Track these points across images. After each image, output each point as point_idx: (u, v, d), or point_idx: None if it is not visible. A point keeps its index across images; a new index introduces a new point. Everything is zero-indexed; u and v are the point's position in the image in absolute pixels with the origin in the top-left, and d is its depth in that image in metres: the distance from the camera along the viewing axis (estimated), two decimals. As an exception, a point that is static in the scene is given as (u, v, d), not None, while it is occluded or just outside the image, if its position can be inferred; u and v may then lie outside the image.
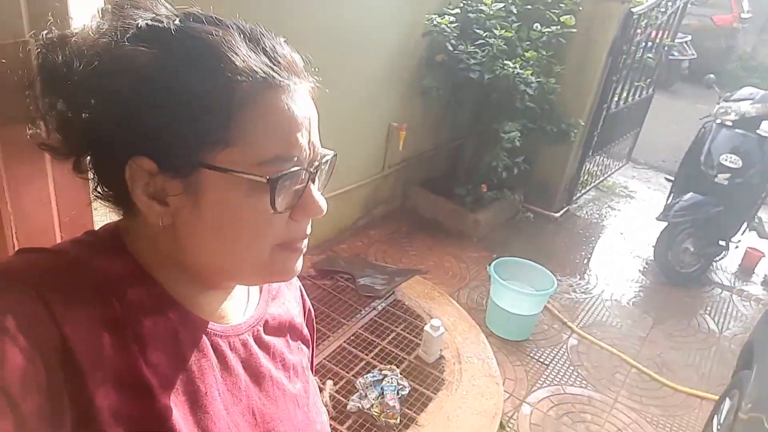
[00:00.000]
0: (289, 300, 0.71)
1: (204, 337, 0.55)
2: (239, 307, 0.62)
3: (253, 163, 0.49)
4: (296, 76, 0.52)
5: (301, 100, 0.52)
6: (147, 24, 0.49)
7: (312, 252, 3.13)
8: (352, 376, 2.26)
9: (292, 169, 0.51)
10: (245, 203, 0.50)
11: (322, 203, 0.55)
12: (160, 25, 0.49)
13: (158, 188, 0.50)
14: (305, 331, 0.73)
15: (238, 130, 0.48)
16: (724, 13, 8.92)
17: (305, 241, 0.57)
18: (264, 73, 0.49)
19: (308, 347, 0.74)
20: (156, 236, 0.53)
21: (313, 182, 0.55)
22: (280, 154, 0.50)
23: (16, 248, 0.53)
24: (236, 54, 0.48)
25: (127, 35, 0.48)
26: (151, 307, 0.52)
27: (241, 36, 0.50)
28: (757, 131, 3.47)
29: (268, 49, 0.51)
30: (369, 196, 3.53)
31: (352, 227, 3.49)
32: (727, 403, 2.04)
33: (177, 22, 0.49)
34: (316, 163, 0.55)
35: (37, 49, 0.52)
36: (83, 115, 0.50)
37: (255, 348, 0.61)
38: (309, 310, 0.77)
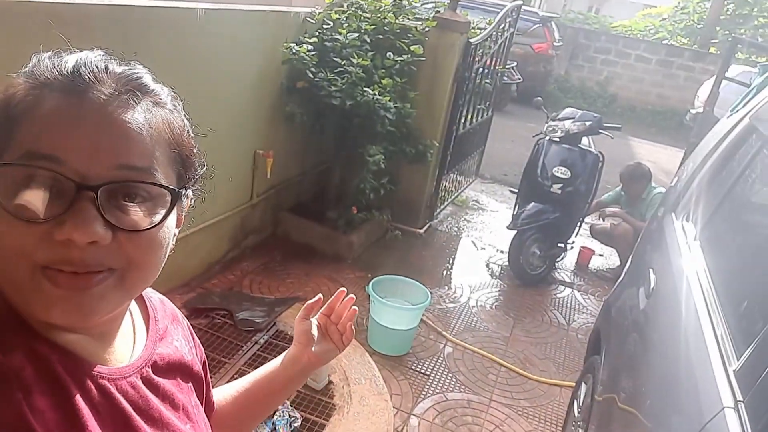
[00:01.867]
0: (177, 339, 0.70)
1: (89, 380, 0.53)
2: (125, 348, 0.60)
3: (10, 160, 0.47)
4: (93, 81, 0.49)
5: (93, 104, 0.48)
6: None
7: (180, 291, 2.95)
8: (241, 416, 2.17)
9: (31, 164, 0.46)
10: None
11: (82, 227, 0.46)
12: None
13: None
14: (196, 367, 0.72)
15: (14, 132, 0.48)
16: (540, 42, 10.24)
17: (88, 279, 0.48)
18: (45, 76, 0.49)
19: (202, 384, 0.74)
20: None
21: (94, 202, 0.47)
22: (35, 150, 0.46)
23: None
24: (28, 69, 0.50)
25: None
26: (32, 352, 0.49)
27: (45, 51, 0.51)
28: (579, 145, 4.04)
29: (60, 59, 0.51)
30: (238, 226, 3.43)
31: (222, 260, 3.35)
32: (583, 387, 2.32)
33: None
34: (104, 180, 0.47)
35: None
36: None
37: (144, 390, 0.59)
38: (198, 345, 0.76)
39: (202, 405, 0.74)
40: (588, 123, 4.02)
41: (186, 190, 0.58)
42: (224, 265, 3.34)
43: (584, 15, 13.21)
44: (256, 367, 2.58)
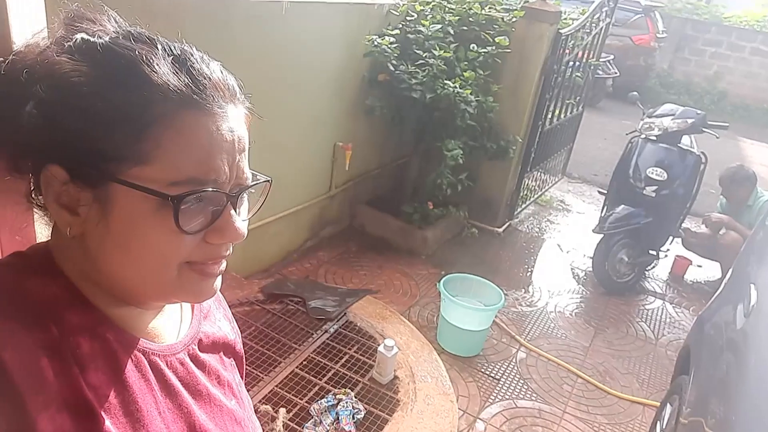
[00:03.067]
0: (219, 318, 0.73)
1: (142, 356, 0.56)
2: (173, 327, 0.63)
3: (166, 182, 0.49)
4: (223, 98, 0.52)
5: (226, 123, 0.52)
6: (82, 38, 0.50)
7: (260, 276, 3.05)
8: (306, 402, 2.20)
9: (201, 189, 0.51)
10: (151, 221, 0.50)
11: (239, 228, 0.54)
12: (92, 39, 0.50)
13: (70, 197, 0.51)
14: (238, 347, 0.75)
15: (151, 147, 0.49)
16: (642, 33, 9.56)
17: (220, 266, 0.57)
18: (183, 92, 0.50)
19: (242, 364, 0.77)
20: (82, 255, 0.53)
21: (234, 206, 0.54)
22: (194, 176, 0.50)
23: None
24: (154, 71, 0.49)
25: (64, 48, 0.50)
26: (88, 329, 0.52)
27: (167, 55, 0.51)
28: (679, 145, 3.71)
29: (192, 69, 0.51)
30: (316, 216, 3.49)
31: (300, 249, 3.43)
32: (668, 408, 2.14)
33: (107, 38, 0.51)
34: (239, 188, 0.55)
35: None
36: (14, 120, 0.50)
37: (192, 366, 0.62)
38: (237, 329, 0.79)
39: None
40: (690, 120, 3.68)
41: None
42: (302, 253, 3.42)
43: (693, 4, 12.13)
44: (325, 356, 2.62)
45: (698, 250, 4.02)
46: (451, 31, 3.53)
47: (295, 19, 2.70)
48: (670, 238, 3.82)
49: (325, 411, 2.17)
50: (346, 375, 2.40)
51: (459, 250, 3.83)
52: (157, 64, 0.49)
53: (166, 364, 0.58)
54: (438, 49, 3.33)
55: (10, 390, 0.45)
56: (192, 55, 0.52)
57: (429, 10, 3.60)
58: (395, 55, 3.30)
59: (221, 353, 0.70)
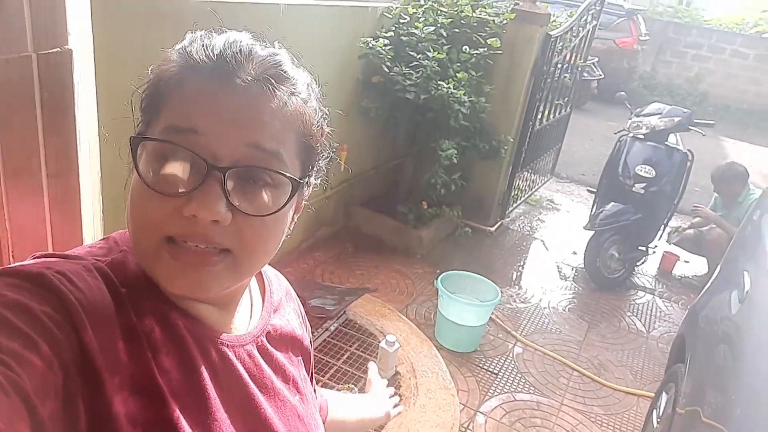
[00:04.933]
0: (289, 312, 0.73)
1: (211, 345, 0.56)
2: (243, 317, 0.63)
3: (155, 132, 0.51)
4: (236, 68, 0.51)
5: (233, 89, 0.50)
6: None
7: (256, 276, 3.06)
8: (310, 400, 2.23)
9: (170, 139, 0.49)
10: (136, 178, 0.50)
11: (207, 206, 0.48)
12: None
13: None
14: (306, 342, 0.75)
15: (160, 108, 0.52)
16: (625, 36, 9.74)
17: (196, 255, 0.50)
18: (192, 58, 0.52)
19: (309, 360, 0.77)
20: None
21: (221, 183, 0.48)
22: (176, 124, 0.49)
23: (12, 264, 0.52)
24: (180, 46, 0.53)
25: None
26: (161, 315, 0.53)
27: (201, 35, 0.54)
28: (666, 143, 3.80)
29: (207, 41, 0.53)
30: (312, 217, 3.52)
31: (296, 250, 3.45)
32: (664, 396, 2.19)
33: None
34: (235, 163, 0.49)
35: None
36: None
37: (259, 358, 0.62)
38: (307, 324, 0.79)
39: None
40: (677, 119, 3.77)
41: (309, 178, 0.59)
42: (298, 254, 3.44)
43: (674, 8, 12.39)
44: (326, 353, 2.63)
45: (686, 245, 4.11)
46: (444, 33, 3.59)
47: (292, 22, 2.74)
48: (659, 233, 3.90)
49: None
50: (348, 371, 2.43)
51: (453, 248, 3.88)
52: (185, 42, 0.54)
53: (235, 355, 0.58)
54: (431, 50, 3.39)
55: (91, 371, 0.45)
56: (221, 34, 0.55)
57: (422, 13, 3.66)
58: (389, 57, 3.35)
59: (289, 348, 0.69)
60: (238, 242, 0.51)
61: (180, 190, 0.49)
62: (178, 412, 0.50)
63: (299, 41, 3.17)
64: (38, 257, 0.52)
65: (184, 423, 0.51)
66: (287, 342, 0.69)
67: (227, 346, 0.58)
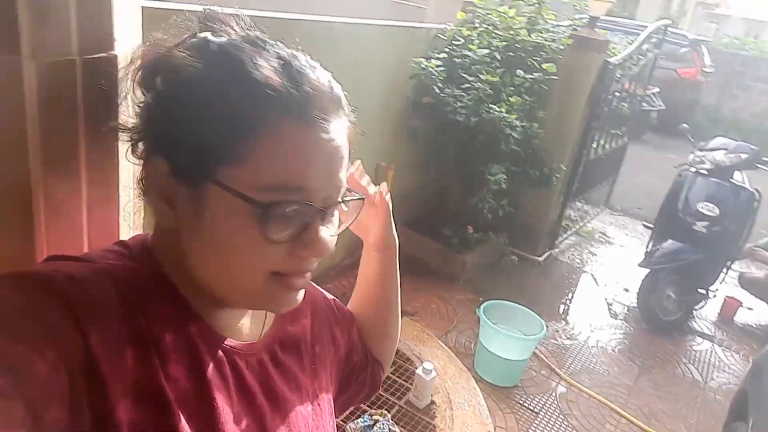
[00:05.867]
0: (306, 315, 0.71)
1: (222, 354, 0.56)
2: (257, 325, 0.63)
3: (257, 186, 0.48)
4: (326, 108, 0.51)
5: (326, 134, 0.50)
6: (204, 38, 0.51)
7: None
8: (342, 420, 2.15)
9: (292, 200, 0.49)
10: (242, 226, 0.49)
11: (326, 243, 0.53)
12: (212, 40, 0.51)
13: (170, 191, 0.51)
14: (328, 337, 0.73)
15: (248, 150, 0.48)
16: (688, 67, 9.38)
17: (304, 279, 0.55)
18: (285, 96, 0.48)
19: (340, 345, 0.76)
20: (176, 248, 0.53)
21: (324, 220, 0.53)
22: (286, 183, 0.49)
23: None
24: (261, 74, 0.48)
25: (187, 45, 0.51)
26: (173, 321, 0.52)
27: (276, 59, 0.50)
28: (731, 180, 3.58)
29: (298, 75, 0.50)
30: (354, 235, 3.47)
31: (338, 266, 3.41)
32: (724, 455, 2.00)
33: (225, 39, 0.51)
34: (331, 202, 0.53)
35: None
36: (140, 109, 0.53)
37: (270, 367, 0.61)
38: (329, 302, 0.79)
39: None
40: (743, 155, 3.55)
41: None
42: (339, 270, 3.40)
43: (741, 40, 11.91)
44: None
45: (753, 289, 3.84)
46: (498, 57, 3.53)
47: (346, 40, 2.74)
48: (720, 276, 3.65)
49: (361, 431, 2.11)
50: (382, 396, 2.34)
51: (498, 276, 3.75)
52: (264, 68, 0.49)
53: (246, 364, 0.58)
54: (484, 73, 3.33)
55: (94, 376, 0.44)
56: (301, 61, 0.52)
57: (476, 35, 3.62)
58: (441, 78, 3.31)
59: (304, 355, 0.68)
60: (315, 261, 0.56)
61: (288, 233, 0.50)
62: (183, 421, 0.49)
63: (352, 59, 3.20)
64: (51, 259, 0.51)
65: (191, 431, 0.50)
66: (300, 348, 0.67)
67: (239, 354, 0.57)
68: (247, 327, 0.61)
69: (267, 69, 0.49)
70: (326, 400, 0.70)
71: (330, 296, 0.80)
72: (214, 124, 0.48)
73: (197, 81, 0.48)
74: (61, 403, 0.41)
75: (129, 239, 0.58)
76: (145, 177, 0.52)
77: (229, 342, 0.57)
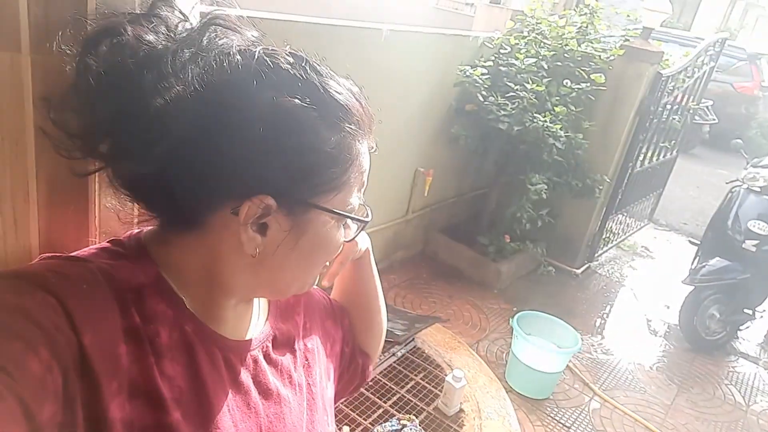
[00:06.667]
0: (299, 312, 0.72)
1: (218, 351, 0.56)
2: (251, 323, 0.64)
3: (346, 206, 0.56)
4: (371, 129, 0.58)
5: (368, 152, 0.59)
6: (285, 68, 0.51)
7: (328, 292, 3.09)
8: (370, 423, 2.18)
9: (368, 214, 0.60)
10: (332, 236, 0.57)
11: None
12: (297, 74, 0.51)
13: (269, 222, 0.52)
14: (320, 326, 0.75)
15: (347, 177, 0.55)
16: (745, 81, 9.02)
17: None
18: (363, 125, 0.55)
19: (335, 340, 0.79)
20: (191, 251, 0.54)
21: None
22: (357, 204, 0.57)
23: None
24: (353, 112, 0.54)
25: (248, 70, 0.50)
26: (169, 319, 0.52)
27: (355, 91, 0.56)
28: (786, 199, 3.44)
29: (360, 99, 0.56)
30: (390, 239, 3.51)
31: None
32: (764, 483, 1.93)
33: (305, 67, 0.52)
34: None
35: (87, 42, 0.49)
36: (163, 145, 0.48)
37: (264, 364, 0.62)
38: (321, 295, 0.80)
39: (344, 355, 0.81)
40: (800, 174, 3.41)
41: None
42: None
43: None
44: (391, 378, 2.58)
45: None
46: (545, 66, 3.49)
47: (393, 46, 2.78)
48: (769, 298, 3.50)
49: (388, 435, 2.13)
50: (411, 401, 2.36)
51: (533, 287, 3.71)
52: (354, 105, 0.54)
53: (240, 361, 0.59)
54: (530, 82, 3.30)
55: (88, 374, 0.44)
56: (357, 88, 0.57)
57: (524, 44, 3.59)
58: (485, 86, 3.31)
59: (296, 352, 0.69)
60: None
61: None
62: (177, 419, 0.50)
63: (397, 65, 3.23)
64: (45, 258, 0.51)
65: (183, 430, 0.50)
66: (293, 344, 0.69)
67: (233, 352, 0.58)
68: (241, 325, 0.61)
69: (356, 106, 0.54)
70: (321, 395, 0.70)
71: (321, 290, 0.81)
72: (322, 163, 0.52)
73: (308, 123, 0.51)
74: (55, 402, 0.41)
75: (123, 237, 0.57)
76: (243, 212, 0.50)
77: (225, 340, 0.57)
